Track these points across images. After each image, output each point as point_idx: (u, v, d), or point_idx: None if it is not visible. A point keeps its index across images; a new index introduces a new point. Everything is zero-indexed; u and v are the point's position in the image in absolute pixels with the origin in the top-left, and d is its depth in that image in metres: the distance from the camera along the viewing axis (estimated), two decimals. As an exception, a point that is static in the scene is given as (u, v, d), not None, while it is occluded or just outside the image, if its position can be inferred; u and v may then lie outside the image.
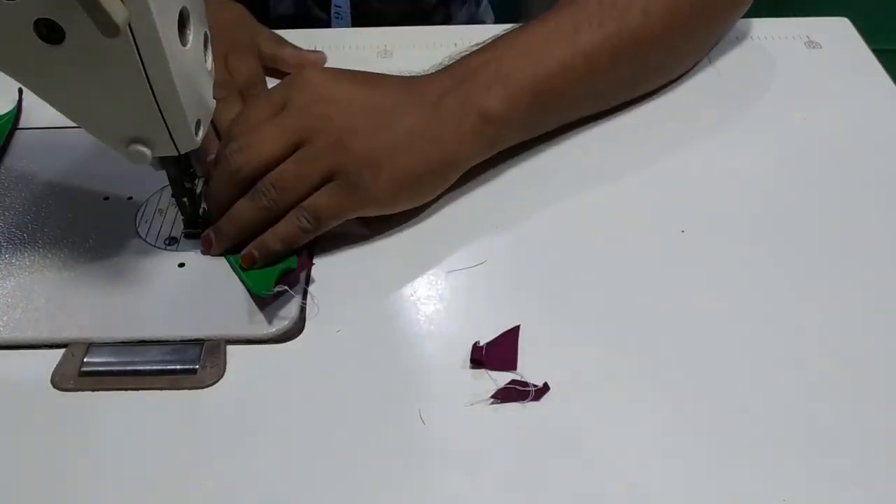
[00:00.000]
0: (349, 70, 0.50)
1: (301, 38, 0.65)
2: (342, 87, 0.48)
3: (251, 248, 0.47)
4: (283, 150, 0.46)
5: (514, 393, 0.42)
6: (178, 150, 0.44)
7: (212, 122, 0.47)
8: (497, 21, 0.86)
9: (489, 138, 0.51)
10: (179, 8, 0.40)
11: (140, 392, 0.42)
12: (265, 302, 0.45)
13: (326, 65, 0.62)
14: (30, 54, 0.38)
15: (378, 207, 0.49)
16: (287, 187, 0.46)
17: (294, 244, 0.47)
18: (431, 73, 0.52)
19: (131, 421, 0.41)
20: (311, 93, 0.47)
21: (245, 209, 0.47)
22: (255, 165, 0.46)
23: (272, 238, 0.47)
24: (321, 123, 0.47)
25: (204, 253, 0.48)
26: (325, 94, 0.48)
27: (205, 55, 0.45)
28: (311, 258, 0.49)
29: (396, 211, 0.50)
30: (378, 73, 0.51)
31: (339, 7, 0.73)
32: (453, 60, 0.52)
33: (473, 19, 0.83)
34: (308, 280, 0.47)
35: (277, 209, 0.46)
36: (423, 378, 0.43)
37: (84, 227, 0.50)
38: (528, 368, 0.43)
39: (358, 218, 0.48)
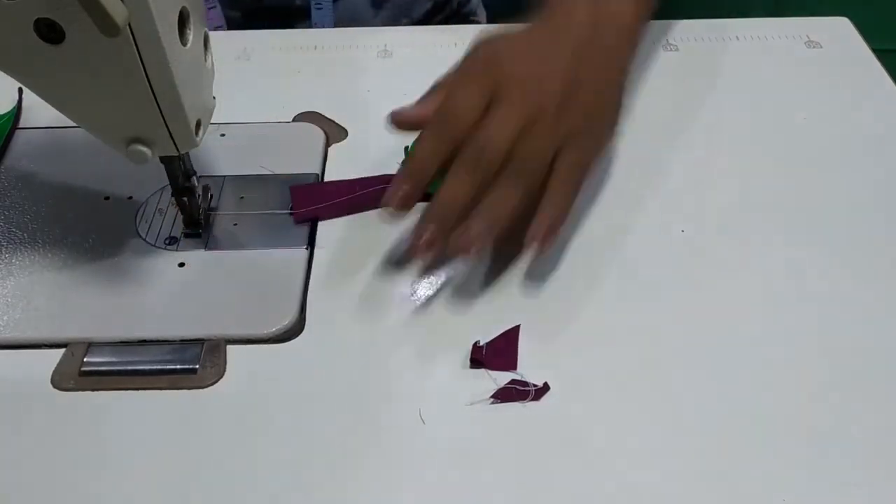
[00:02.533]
0: (512, 33, 0.48)
1: (300, 37, 0.65)
2: (532, 60, 0.46)
3: (543, 237, 0.44)
4: (521, 134, 0.44)
5: (514, 393, 0.42)
6: (178, 150, 0.44)
7: None
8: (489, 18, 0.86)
9: (636, 46, 0.51)
10: (179, 8, 0.40)
11: (140, 392, 0.42)
12: (265, 301, 0.45)
13: (319, 65, 0.62)
14: (30, 54, 0.38)
15: (609, 144, 0.50)
16: (536, 153, 0.44)
17: (570, 209, 0.46)
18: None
19: (131, 421, 0.41)
20: (516, 72, 0.45)
21: (505, 188, 0.44)
22: (498, 147, 0.44)
23: (555, 217, 0.45)
24: (544, 101, 0.45)
25: (461, 254, 0.44)
26: (529, 71, 0.45)
27: (205, 55, 0.45)
28: None
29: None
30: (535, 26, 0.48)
31: None
32: None
33: (463, 10, 0.83)
34: (308, 279, 0.47)
35: (536, 179, 0.44)
36: (423, 378, 0.43)
37: (84, 227, 0.50)
38: (528, 368, 0.43)
39: None
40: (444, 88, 0.47)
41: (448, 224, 0.44)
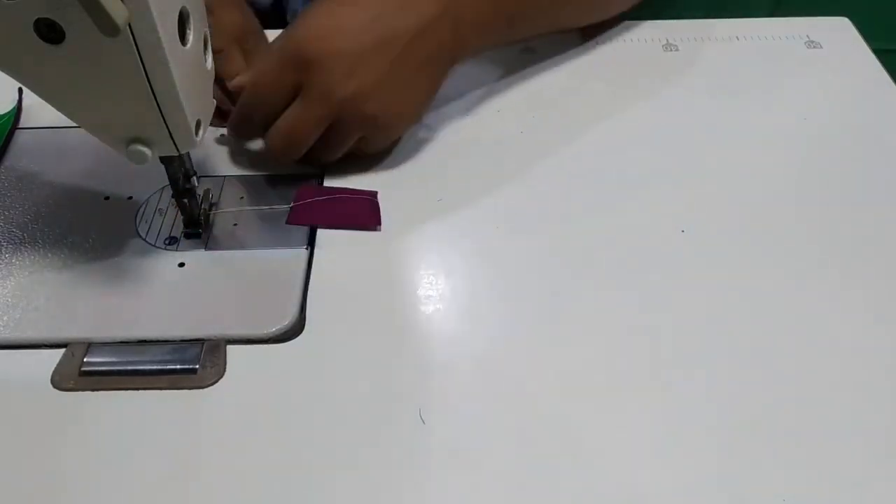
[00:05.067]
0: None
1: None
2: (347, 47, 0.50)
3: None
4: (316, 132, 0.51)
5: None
6: (178, 150, 0.44)
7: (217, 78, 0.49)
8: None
9: (468, 42, 0.53)
10: (179, 8, 0.40)
11: (140, 392, 0.42)
12: (265, 301, 0.45)
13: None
14: (30, 54, 0.38)
15: (405, 128, 0.54)
16: (330, 149, 0.52)
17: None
18: None
19: (131, 421, 0.41)
20: (327, 74, 0.49)
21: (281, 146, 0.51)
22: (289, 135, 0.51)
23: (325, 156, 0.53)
24: (347, 107, 0.49)
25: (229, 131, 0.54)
26: (340, 69, 0.49)
27: (205, 55, 0.45)
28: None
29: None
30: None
31: None
32: None
33: None
34: (308, 279, 0.47)
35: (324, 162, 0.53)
36: (423, 378, 0.43)
37: (84, 227, 0.50)
38: (529, 368, 0.43)
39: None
40: (256, 67, 0.52)
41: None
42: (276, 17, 0.75)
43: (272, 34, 0.66)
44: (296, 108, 0.50)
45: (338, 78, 0.48)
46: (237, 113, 0.52)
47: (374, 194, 0.52)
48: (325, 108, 0.49)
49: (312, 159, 0.52)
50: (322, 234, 0.50)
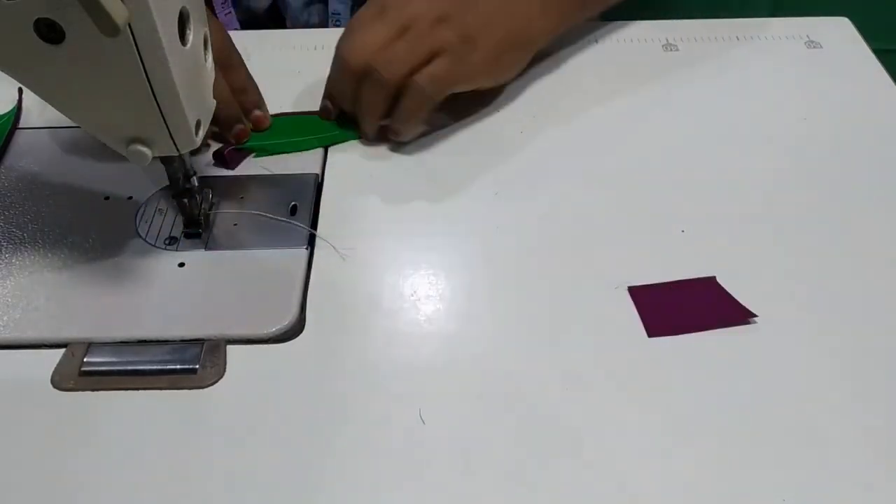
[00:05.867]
0: None
1: (300, 37, 0.65)
2: None
3: (389, 135, 0.55)
4: (391, 40, 0.53)
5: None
6: (178, 149, 0.44)
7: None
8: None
9: (549, 19, 0.58)
10: (179, 8, 0.40)
11: (140, 392, 0.42)
12: (265, 301, 0.45)
13: (319, 65, 0.62)
14: (30, 54, 0.38)
15: (479, 78, 0.55)
16: (395, 60, 0.52)
17: (417, 115, 0.54)
18: None
19: (131, 421, 0.41)
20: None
21: (367, 94, 0.53)
22: (364, 59, 0.52)
23: (397, 119, 0.54)
24: (419, 13, 0.53)
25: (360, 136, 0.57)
26: None
27: (205, 55, 0.45)
28: None
29: (492, 84, 0.57)
30: None
31: (339, 14, 0.73)
32: None
33: None
34: (308, 279, 0.47)
35: (392, 83, 0.52)
36: (423, 378, 0.43)
37: (84, 227, 0.50)
38: (529, 368, 0.43)
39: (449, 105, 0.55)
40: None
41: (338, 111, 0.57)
42: (272, 18, 0.75)
43: (270, 34, 0.67)
44: (377, 30, 0.52)
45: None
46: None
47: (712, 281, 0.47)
48: (423, 31, 0.52)
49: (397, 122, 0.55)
50: (322, 235, 0.50)
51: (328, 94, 0.57)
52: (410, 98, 0.53)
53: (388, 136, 0.55)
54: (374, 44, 0.52)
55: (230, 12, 0.73)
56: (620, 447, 0.40)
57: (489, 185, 0.53)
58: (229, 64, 0.54)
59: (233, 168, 0.54)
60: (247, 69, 0.56)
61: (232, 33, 0.57)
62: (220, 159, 0.54)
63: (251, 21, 0.75)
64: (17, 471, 0.39)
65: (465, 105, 0.59)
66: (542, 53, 0.63)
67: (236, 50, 0.56)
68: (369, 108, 0.54)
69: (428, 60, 0.52)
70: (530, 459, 0.39)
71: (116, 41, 0.37)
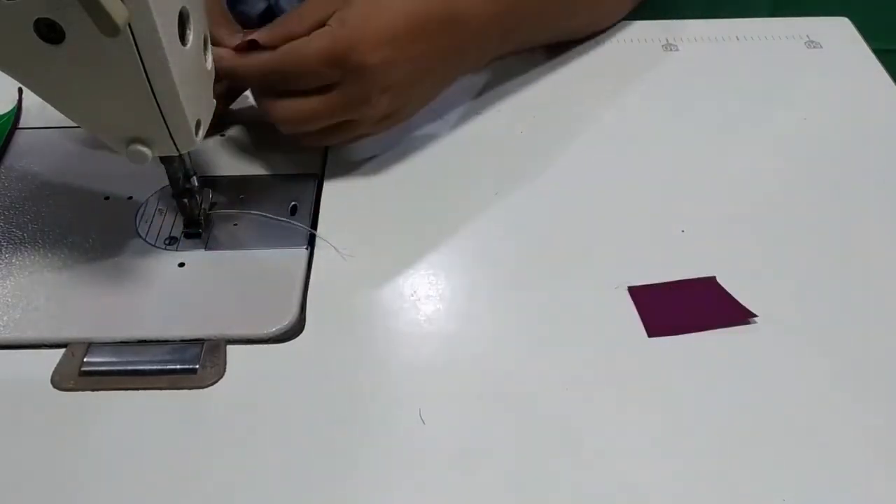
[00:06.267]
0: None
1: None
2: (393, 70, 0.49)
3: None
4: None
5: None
6: (178, 149, 0.44)
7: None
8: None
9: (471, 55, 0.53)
10: (179, 8, 0.40)
11: (140, 392, 0.42)
12: (265, 301, 0.45)
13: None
14: (30, 54, 0.38)
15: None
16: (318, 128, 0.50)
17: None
18: None
19: (131, 421, 0.41)
20: (367, 83, 0.48)
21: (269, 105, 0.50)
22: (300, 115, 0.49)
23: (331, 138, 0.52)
24: (371, 113, 0.49)
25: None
26: (380, 82, 0.48)
27: (205, 55, 0.45)
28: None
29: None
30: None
31: None
32: None
33: None
34: (308, 279, 0.47)
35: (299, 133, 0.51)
36: (423, 378, 0.43)
37: (84, 227, 0.50)
38: (529, 368, 0.43)
39: None
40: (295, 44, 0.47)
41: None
42: (266, 23, 0.75)
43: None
44: (325, 101, 0.48)
45: (378, 90, 0.48)
46: (259, 73, 0.49)
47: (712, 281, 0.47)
48: (353, 113, 0.49)
49: (303, 140, 0.52)
50: (322, 235, 0.50)
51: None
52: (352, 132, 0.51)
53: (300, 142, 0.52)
54: (311, 110, 0.49)
55: None
56: (620, 447, 0.40)
57: (489, 185, 0.53)
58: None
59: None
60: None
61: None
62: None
63: (245, 26, 0.75)
64: (17, 471, 0.39)
65: (461, 109, 0.59)
66: (541, 54, 0.63)
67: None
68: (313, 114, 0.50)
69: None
70: (530, 459, 0.39)
71: (116, 41, 0.37)
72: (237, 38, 0.49)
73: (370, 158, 0.55)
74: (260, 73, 0.48)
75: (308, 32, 0.47)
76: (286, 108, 0.49)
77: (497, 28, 0.53)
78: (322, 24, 0.47)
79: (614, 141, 0.56)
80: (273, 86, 0.49)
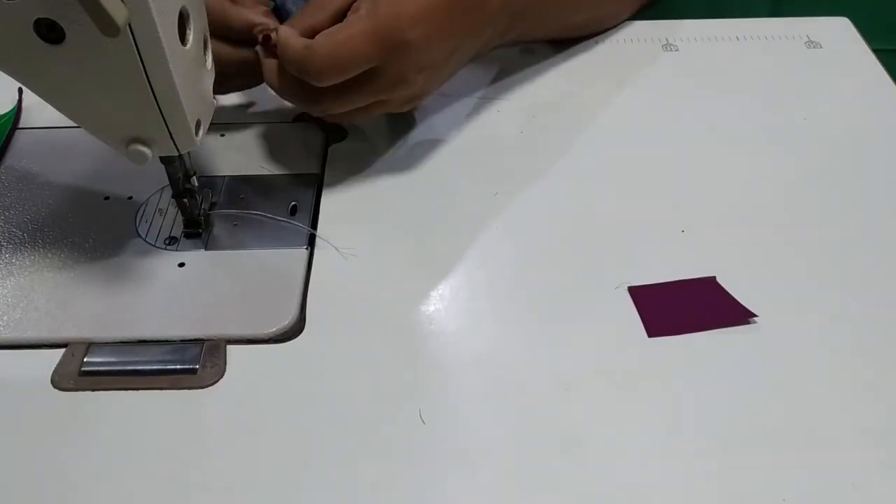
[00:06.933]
0: None
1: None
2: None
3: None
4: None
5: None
6: (178, 149, 0.44)
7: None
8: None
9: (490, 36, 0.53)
10: (179, 8, 0.40)
11: (140, 392, 0.42)
12: (265, 301, 0.45)
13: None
14: (30, 54, 0.38)
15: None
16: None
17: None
18: None
19: (131, 421, 0.41)
20: (407, 65, 0.47)
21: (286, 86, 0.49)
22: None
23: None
24: (402, 93, 0.49)
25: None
26: (419, 63, 0.48)
27: (205, 55, 0.45)
28: None
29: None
30: None
31: None
32: None
33: None
34: (308, 279, 0.47)
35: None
36: (423, 378, 0.43)
37: (84, 227, 0.50)
38: (529, 368, 0.43)
39: None
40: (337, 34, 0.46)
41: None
42: None
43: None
44: (363, 83, 0.47)
45: (415, 70, 0.47)
46: (295, 74, 0.47)
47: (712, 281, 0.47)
48: (392, 93, 0.48)
49: (335, 117, 0.51)
50: (322, 235, 0.50)
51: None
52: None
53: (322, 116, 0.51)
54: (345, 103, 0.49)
55: None
56: (620, 447, 0.40)
57: (489, 185, 0.53)
58: None
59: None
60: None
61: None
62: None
63: None
64: (18, 471, 0.39)
65: (461, 109, 0.59)
66: (541, 54, 0.63)
67: None
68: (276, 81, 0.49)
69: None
70: (530, 459, 0.39)
71: (116, 41, 0.37)
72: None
73: (370, 158, 0.55)
74: (297, 68, 0.46)
75: (332, 23, 0.47)
76: (325, 98, 0.48)
77: (506, 11, 0.53)
78: (343, 14, 0.47)
79: (614, 141, 0.56)
80: (323, 84, 0.46)
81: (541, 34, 0.62)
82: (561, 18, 0.61)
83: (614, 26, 0.66)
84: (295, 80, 0.47)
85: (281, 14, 0.75)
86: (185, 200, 0.48)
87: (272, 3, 0.75)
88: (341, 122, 0.55)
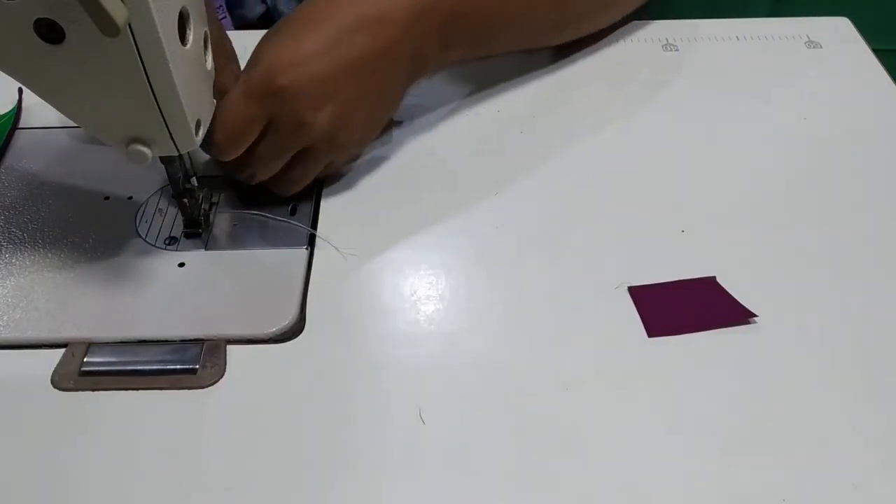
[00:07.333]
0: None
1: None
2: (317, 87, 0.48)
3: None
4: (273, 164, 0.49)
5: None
6: (178, 149, 0.44)
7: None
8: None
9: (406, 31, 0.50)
10: (179, 8, 0.40)
11: (140, 392, 0.42)
12: (265, 301, 0.45)
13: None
14: (30, 54, 0.38)
15: (351, 147, 0.52)
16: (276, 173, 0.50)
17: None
18: None
19: (131, 421, 0.41)
20: (296, 110, 0.47)
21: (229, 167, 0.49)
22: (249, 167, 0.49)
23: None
24: (312, 140, 0.48)
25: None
26: (309, 102, 0.47)
27: (205, 55, 0.45)
28: None
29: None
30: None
31: None
32: None
33: None
34: (308, 279, 0.47)
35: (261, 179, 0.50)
36: (423, 378, 0.43)
37: (84, 227, 0.50)
38: (529, 368, 0.43)
39: None
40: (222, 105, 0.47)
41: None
42: (266, 27, 0.75)
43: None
44: (269, 141, 0.47)
45: (310, 108, 0.47)
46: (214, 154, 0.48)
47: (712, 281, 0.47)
48: (298, 140, 0.48)
49: (279, 187, 0.51)
50: (322, 235, 0.50)
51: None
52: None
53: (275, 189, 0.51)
54: (259, 159, 0.49)
55: (225, 17, 0.73)
56: (620, 447, 0.40)
57: (489, 185, 0.53)
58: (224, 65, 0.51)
59: None
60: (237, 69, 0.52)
61: (232, 32, 0.57)
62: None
63: (245, 29, 0.75)
64: (17, 471, 0.39)
65: (461, 109, 0.59)
66: (541, 54, 0.63)
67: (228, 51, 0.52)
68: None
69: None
70: (530, 459, 0.39)
71: (116, 41, 0.37)
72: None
73: (370, 159, 0.55)
74: (214, 151, 0.48)
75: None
76: (246, 165, 0.49)
77: (425, 25, 0.50)
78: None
79: (614, 141, 0.56)
80: (225, 153, 0.48)
81: (503, 45, 0.59)
82: (518, 24, 0.57)
83: (609, 28, 0.65)
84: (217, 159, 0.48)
85: (273, 17, 0.75)
86: (185, 200, 0.48)
87: (264, 5, 0.76)
88: (296, 189, 0.52)
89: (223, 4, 0.77)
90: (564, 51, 0.64)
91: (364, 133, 0.52)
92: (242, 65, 0.55)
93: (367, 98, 0.50)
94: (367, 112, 0.50)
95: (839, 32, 0.65)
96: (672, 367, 0.43)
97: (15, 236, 0.50)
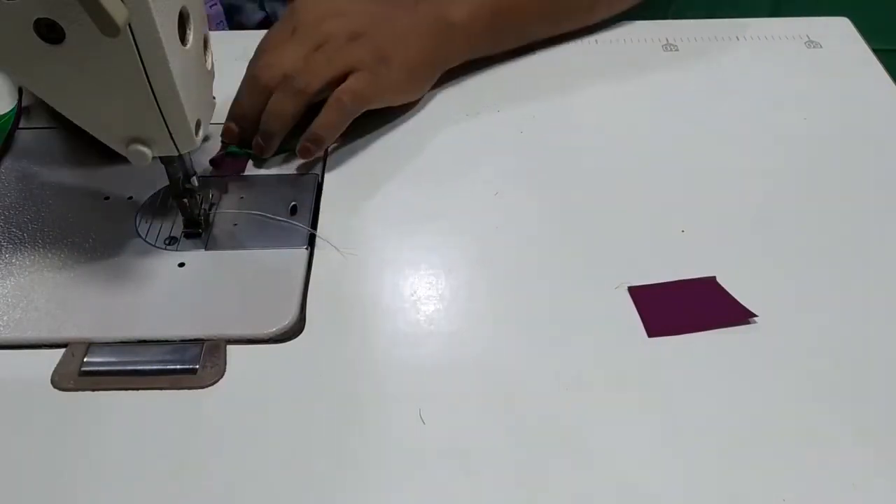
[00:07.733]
0: None
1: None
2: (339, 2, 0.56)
3: (305, 143, 0.53)
4: (307, 55, 0.53)
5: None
6: (178, 150, 0.44)
7: None
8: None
9: (458, 44, 0.59)
10: (179, 8, 0.40)
11: (140, 392, 0.42)
12: (265, 301, 0.45)
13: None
14: (30, 54, 0.38)
15: (393, 96, 0.56)
16: (314, 71, 0.53)
17: (338, 129, 0.54)
18: None
19: (131, 421, 0.41)
20: (315, 12, 0.55)
21: (281, 100, 0.53)
22: (282, 72, 0.53)
23: (319, 127, 0.53)
24: (333, 30, 0.54)
25: (259, 155, 0.54)
26: (328, 9, 0.55)
27: (205, 55, 0.45)
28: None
29: (403, 102, 0.57)
30: None
31: None
32: None
33: None
34: (308, 279, 0.47)
35: (309, 92, 0.53)
36: (423, 378, 0.43)
37: (84, 227, 0.50)
38: (529, 368, 0.43)
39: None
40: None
41: (245, 133, 0.54)
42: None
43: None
44: (296, 48, 0.53)
45: (329, 13, 0.54)
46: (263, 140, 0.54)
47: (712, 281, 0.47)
48: (326, 48, 0.53)
49: (316, 130, 0.53)
50: (322, 235, 0.50)
51: (233, 116, 0.55)
52: (333, 111, 0.53)
53: (300, 152, 0.53)
54: (290, 59, 0.53)
55: (222, 23, 0.74)
56: (620, 447, 0.40)
57: (489, 185, 0.53)
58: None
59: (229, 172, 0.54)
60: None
61: (232, 32, 0.57)
62: (214, 165, 0.55)
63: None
64: (17, 470, 0.39)
65: (461, 109, 0.59)
66: (541, 54, 0.63)
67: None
68: (279, 117, 0.53)
69: (344, 76, 0.53)
70: (530, 459, 0.39)
71: (116, 41, 0.37)
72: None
73: (370, 159, 0.55)
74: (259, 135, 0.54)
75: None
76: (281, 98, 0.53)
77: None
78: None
79: (614, 141, 0.56)
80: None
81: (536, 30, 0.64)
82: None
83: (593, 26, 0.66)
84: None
85: (272, 23, 0.75)
86: (185, 200, 0.48)
87: (263, 12, 0.76)
88: (331, 136, 0.54)
89: (221, 10, 0.77)
90: (565, 50, 0.64)
91: (392, 60, 0.55)
92: (242, 65, 0.55)
93: (393, 30, 0.55)
94: (391, 40, 0.55)
95: (839, 32, 0.65)
96: (672, 367, 0.43)
97: (15, 236, 0.50)
